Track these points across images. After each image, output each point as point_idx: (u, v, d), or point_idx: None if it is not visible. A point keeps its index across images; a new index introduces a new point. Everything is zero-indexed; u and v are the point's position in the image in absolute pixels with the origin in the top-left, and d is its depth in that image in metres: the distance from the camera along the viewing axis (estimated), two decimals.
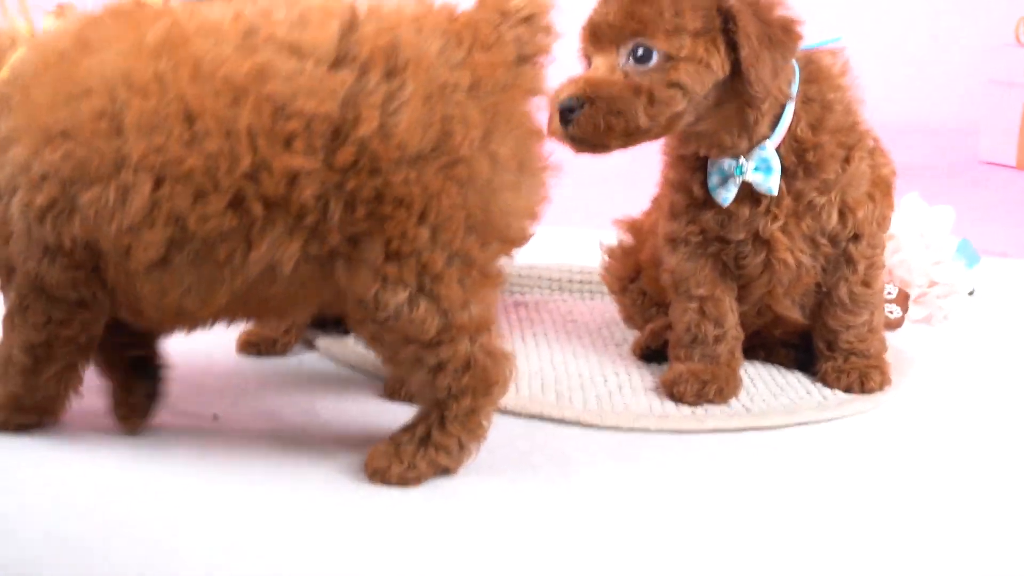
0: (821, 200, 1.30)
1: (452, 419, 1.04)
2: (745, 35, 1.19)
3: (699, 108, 1.23)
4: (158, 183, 0.94)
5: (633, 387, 1.36)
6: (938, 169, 3.30)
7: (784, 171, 1.28)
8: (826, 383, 1.39)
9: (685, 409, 1.28)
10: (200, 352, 1.43)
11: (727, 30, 1.21)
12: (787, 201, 1.29)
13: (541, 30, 1.00)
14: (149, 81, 0.95)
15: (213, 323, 1.10)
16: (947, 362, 1.59)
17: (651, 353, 1.48)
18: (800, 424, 1.27)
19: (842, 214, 1.31)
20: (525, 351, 1.50)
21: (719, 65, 1.21)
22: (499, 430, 1.20)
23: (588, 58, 1.26)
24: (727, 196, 1.28)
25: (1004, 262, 2.27)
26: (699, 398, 1.30)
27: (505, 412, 1.25)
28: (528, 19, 0.99)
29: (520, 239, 1.04)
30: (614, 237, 1.70)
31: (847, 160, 1.30)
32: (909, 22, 3.82)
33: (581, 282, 1.92)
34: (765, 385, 1.40)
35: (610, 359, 1.49)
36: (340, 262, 0.98)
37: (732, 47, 1.21)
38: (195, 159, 0.93)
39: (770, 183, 1.26)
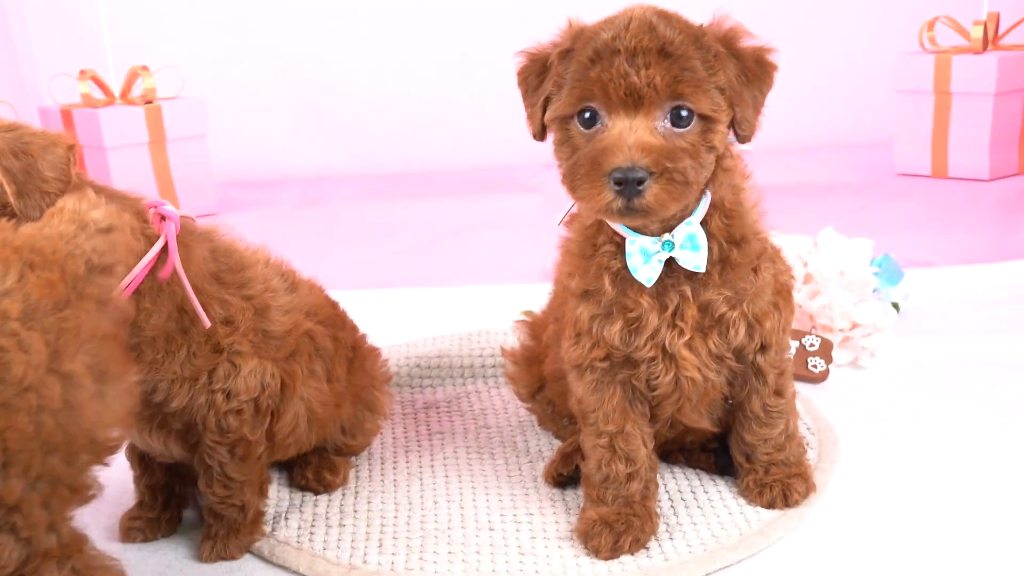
0: (732, 314, 1.21)
1: None
2: (727, 78, 1.11)
3: None
4: None
5: (547, 537, 1.28)
6: (854, 184, 3.25)
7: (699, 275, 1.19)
8: (748, 499, 1.33)
9: (601, 567, 1.20)
10: None
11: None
12: (692, 312, 1.20)
13: (119, 240, 0.98)
14: None
15: None
16: (875, 422, 1.54)
17: (564, 479, 1.40)
18: (723, 568, 1.20)
19: (750, 327, 1.23)
20: (434, 492, 1.41)
21: (729, 116, 1.14)
22: None
23: (585, 112, 1.12)
24: (652, 276, 1.18)
25: (929, 272, 2.22)
26: (615, 552, 1.22)
27: None
28: (107, 230, 0.97)
29: (111, 447, 0.97)
30: (515, 338, 1.61)
31: (756, 270, 1.22)
32: (814, 38, 3.69)
33: (494, 366, 1.83)
34: (686, 509, 1.32)
35: (523, 490, 1.40)
36: None
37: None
38: None
39: (698, 259, 1.18)
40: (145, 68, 2.74)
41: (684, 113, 1.10)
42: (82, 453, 0.92)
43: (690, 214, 1.18)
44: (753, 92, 1.13)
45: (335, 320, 1.42)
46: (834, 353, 1.79)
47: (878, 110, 3.46)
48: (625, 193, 1.08)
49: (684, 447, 1.44)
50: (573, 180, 1.12)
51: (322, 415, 1.36)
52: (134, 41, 3.10)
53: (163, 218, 1.17)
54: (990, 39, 3.17)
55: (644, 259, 1.18)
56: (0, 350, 0.86)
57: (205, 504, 1.30)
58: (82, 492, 0.95)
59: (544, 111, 1.16)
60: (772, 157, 3.66)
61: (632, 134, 1.09)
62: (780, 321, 1.26)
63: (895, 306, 2.01)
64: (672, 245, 1.17)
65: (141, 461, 1.33)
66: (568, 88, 1.12)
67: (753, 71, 1.13)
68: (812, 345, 1.75)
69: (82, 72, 2.62)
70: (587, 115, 1.12)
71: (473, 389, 1.79)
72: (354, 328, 1.48)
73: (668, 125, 1.11)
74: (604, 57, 1.10)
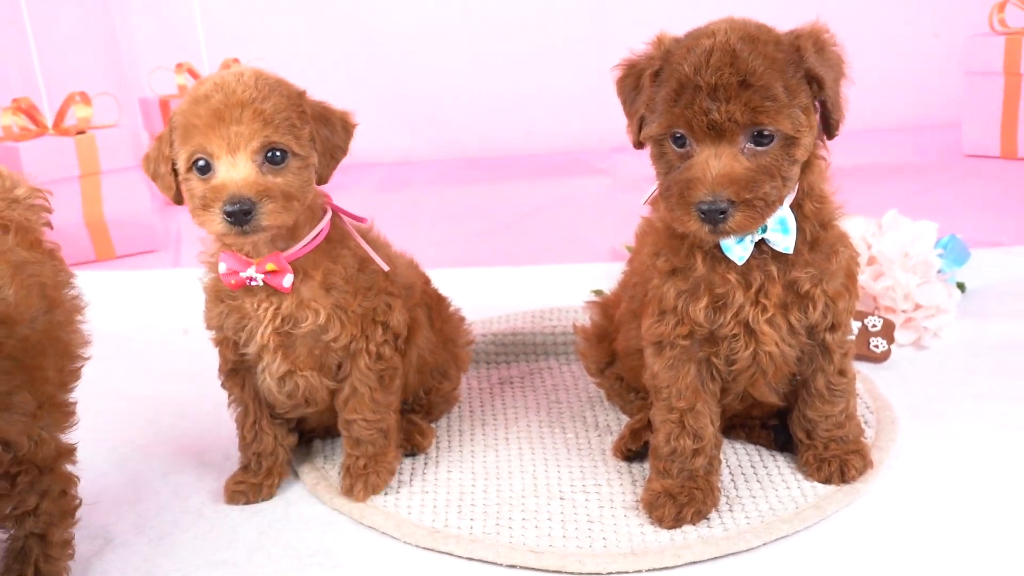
0: (815, 291, 1.29)
1: None
2: (829, 93, 1.20)
3: None
4: None
5: (613, 505, 1.38)
6: (922, 166, 3.24)
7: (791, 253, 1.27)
8: (806, 474, 1.40)
9: (664, 536, 1.30)
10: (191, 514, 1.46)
11: (813, 91, 1.21)
12: (777, 290, 1.28)
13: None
14: None
15: None
16: (934, 402, 1.59)
17: (632, 454, 1.49)
18: (779, 539, 1.28)
19: (825, 305, 1.31)
20: (509, 463, 1.51)
21: (816, 127, 1.23)
22: None
23: (676, 134, 1.20)
24: (743, 255, 1.26)
25: (997, 252, 2.23)
26: (677, 522, 1.31)
27: (486, 562, 1.27)
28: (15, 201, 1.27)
29: None
30: (586, 316, 1.70)
31: (835, 253, 1.30)
32: (881, 20, 3.66)
33: (565, 343, 1.92)
34: (746, 483, 1.41)
35: (592, 463, 1.50)
36: None
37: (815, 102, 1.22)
38: None
39: (787, 241, 1.26)
40: (236, 61, 2.87)
41: (766, 133, 1.17)
42: None
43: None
44: (842, 91, 1.22)
45: (425, 277, 1.64)
46: (896, 334, 1.83)
47: (946, 92, 3.43)
48: (710, 220, 1.17)
49: (746, 424, 1.52)
50: (667, 200, 1.21)
51: (428, 360, 1.58)
52: (226, 35, 3.23)
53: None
54: None
55: (737, 239, 1.25)
56: None
57: (349, 437, 1.44)
58: None
59: (640, 126, 1.25)
60: (838, 139, 3.65)
61: (716, 163, 1.17)
62: (849, 303, 1.33)
63: (961, 287, 2.04)
64: (765, 227, 1.25)
65: (253, 427, 1.47)
66: (658, 115, 1.20)
67: (841, 73, 1.22)
68: (874, 326, 1.81)
69: (179, 65, 2.75)
70: (678, 136, 1.20)
71: (545, 365, 1.88)
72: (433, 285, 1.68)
73: (752, 146, 1.18)
74: (687, 91, 1.17)
